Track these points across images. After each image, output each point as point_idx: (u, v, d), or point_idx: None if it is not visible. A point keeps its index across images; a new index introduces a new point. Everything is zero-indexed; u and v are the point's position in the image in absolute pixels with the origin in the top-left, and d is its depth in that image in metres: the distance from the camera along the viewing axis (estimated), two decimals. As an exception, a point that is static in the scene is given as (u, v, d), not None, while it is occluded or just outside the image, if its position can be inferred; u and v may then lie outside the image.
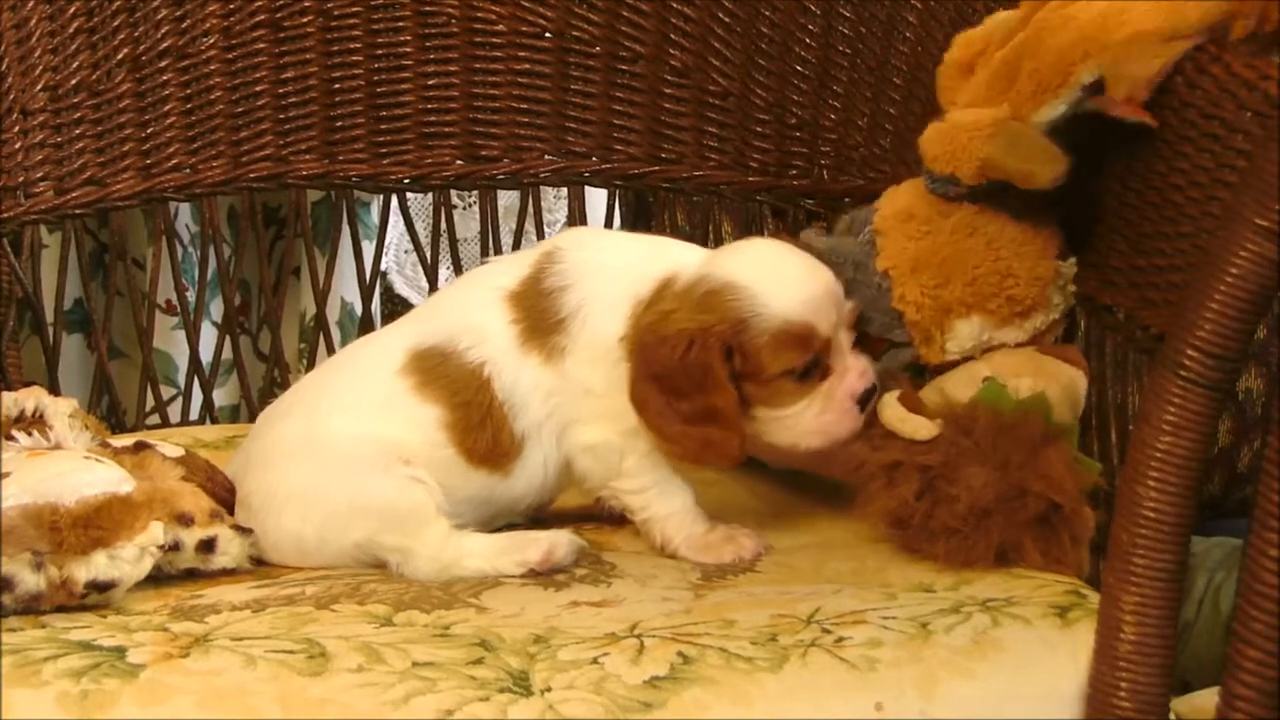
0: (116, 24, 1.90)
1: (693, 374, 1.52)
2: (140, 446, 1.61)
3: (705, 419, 1.54)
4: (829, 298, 1.55)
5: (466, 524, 1.58)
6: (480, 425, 1.58)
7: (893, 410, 1.56)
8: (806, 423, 1.56)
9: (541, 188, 2.08)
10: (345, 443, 1.57)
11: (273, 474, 1.60)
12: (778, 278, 1.55)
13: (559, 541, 1.55)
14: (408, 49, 2.00)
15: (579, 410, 1.58)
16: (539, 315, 1.58)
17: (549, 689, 1.32)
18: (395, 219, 2.28)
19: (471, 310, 1.61)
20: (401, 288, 2.61)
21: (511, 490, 1.60)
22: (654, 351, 1.53)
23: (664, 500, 1.60)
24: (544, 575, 1.53)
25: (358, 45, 1.99)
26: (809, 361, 1.54)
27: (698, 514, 1.60)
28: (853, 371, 1.56)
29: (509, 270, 1.62)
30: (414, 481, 1.56)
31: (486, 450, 1.58)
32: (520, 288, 1.59)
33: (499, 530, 1.61)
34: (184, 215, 2.39)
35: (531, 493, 1.61)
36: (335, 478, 1.57)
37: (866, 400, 1.56)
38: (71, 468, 1.52)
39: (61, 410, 1.65)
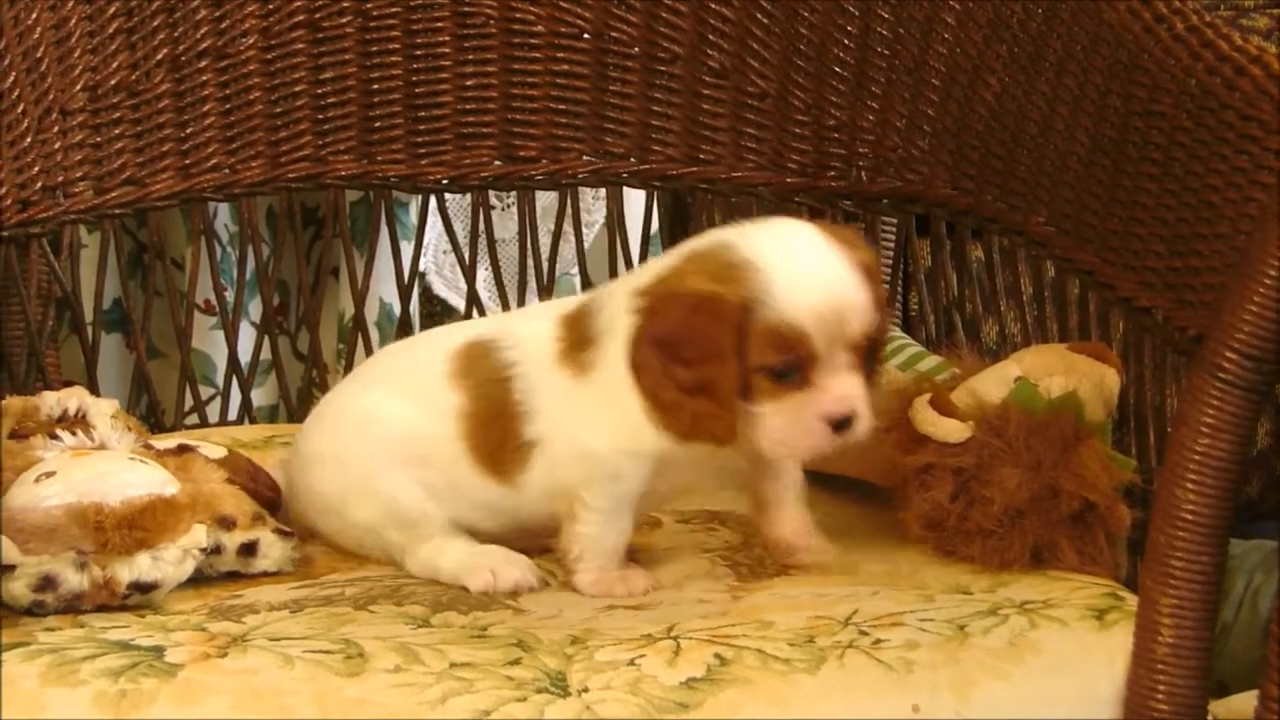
0: (155, 24, 1.90)
1: (698, 339, 1.46)
2: (183, 449, 1.62)
3: (701, 391, 1.47)
4: (841, 311, 1.48)
5: (482, 535, 1.58)
6: (493, 421, 1.56)
7: (924, 413, 1.56)
8: (772, 428, 1.49)
9: (580, 188, 2.07)
10: (370, 420, 1.60)
11: (315, 435, 1.65)
12: (799, 271, 1.48)
13: (501, 570, 1.54)
14: (446, 49, 2.00)
15: (591, 419, 1.54)
16: (579, 335, 1.55)
17: (586, 689, 1.32)
18: (433, 219, 2.28)
19: (526, 320, 1.64)
20: (440, 288, 2.61)
21: (520, 505, 1.58)
22: (663, 308, 1.48)
23: (604, 531, 1.55)
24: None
25: (396, 46, 1.99)
26: (785, 365, 1.48)
27: (621, 558, 1.57)
28: (832, 394, 1.48)
29: (573, 299, 1.63)
30: (427, 491, 1.57)
31: (494, 450, 1.56)
32: (573, 312, 1.58)
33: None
34: (223, 215, 2.39)
35: (541, 512, 1.57)
36: (358, 451, 1.59)
37: (841, 426, 1.49)
38: (116, 468, 1.53)
39: (104, 411, 1.66)
